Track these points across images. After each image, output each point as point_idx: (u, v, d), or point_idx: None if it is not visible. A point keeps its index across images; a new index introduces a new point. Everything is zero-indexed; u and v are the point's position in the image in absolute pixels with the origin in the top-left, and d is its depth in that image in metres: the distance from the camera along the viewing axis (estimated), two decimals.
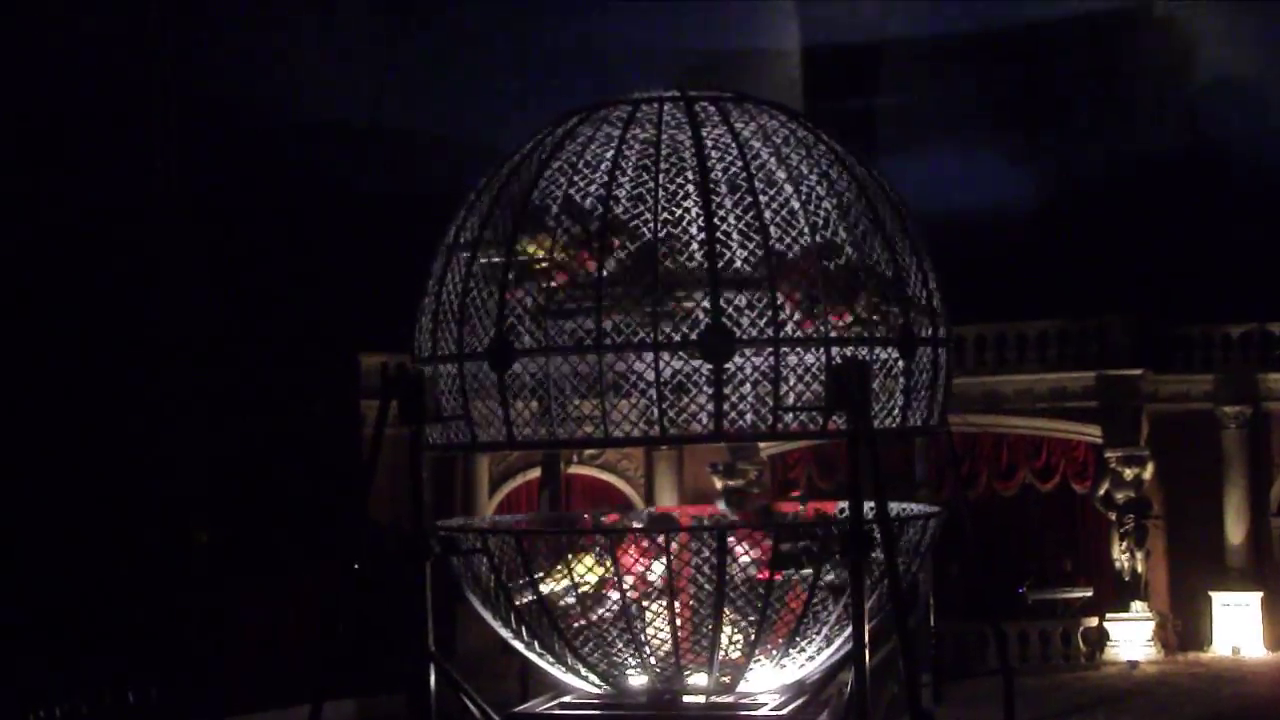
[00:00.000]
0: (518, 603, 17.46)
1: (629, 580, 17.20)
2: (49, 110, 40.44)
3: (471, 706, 17.98)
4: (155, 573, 37.36)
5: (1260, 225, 44.50)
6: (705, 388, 16.72)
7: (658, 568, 17.23)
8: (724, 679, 17.69)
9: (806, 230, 17.05)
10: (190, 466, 40.32)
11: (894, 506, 17.92)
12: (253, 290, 42.48)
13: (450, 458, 37.75)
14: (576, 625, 17.52)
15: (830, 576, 17.11)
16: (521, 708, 18.65)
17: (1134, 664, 37.27)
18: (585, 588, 17.35)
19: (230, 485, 40.27)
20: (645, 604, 17.33)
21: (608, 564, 17.26)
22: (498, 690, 18.57)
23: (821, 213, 17.21)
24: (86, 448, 38.43)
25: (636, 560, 17.26)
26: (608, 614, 17.45)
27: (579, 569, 17.37)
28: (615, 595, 17.34)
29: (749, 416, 16.97)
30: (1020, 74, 48.69)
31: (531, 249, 17.01)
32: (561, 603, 17.44)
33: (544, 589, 17.34)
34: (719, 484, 39.14)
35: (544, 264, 16.96)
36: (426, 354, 17.77)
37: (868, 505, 16.56)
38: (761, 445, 38.82)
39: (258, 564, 38.01)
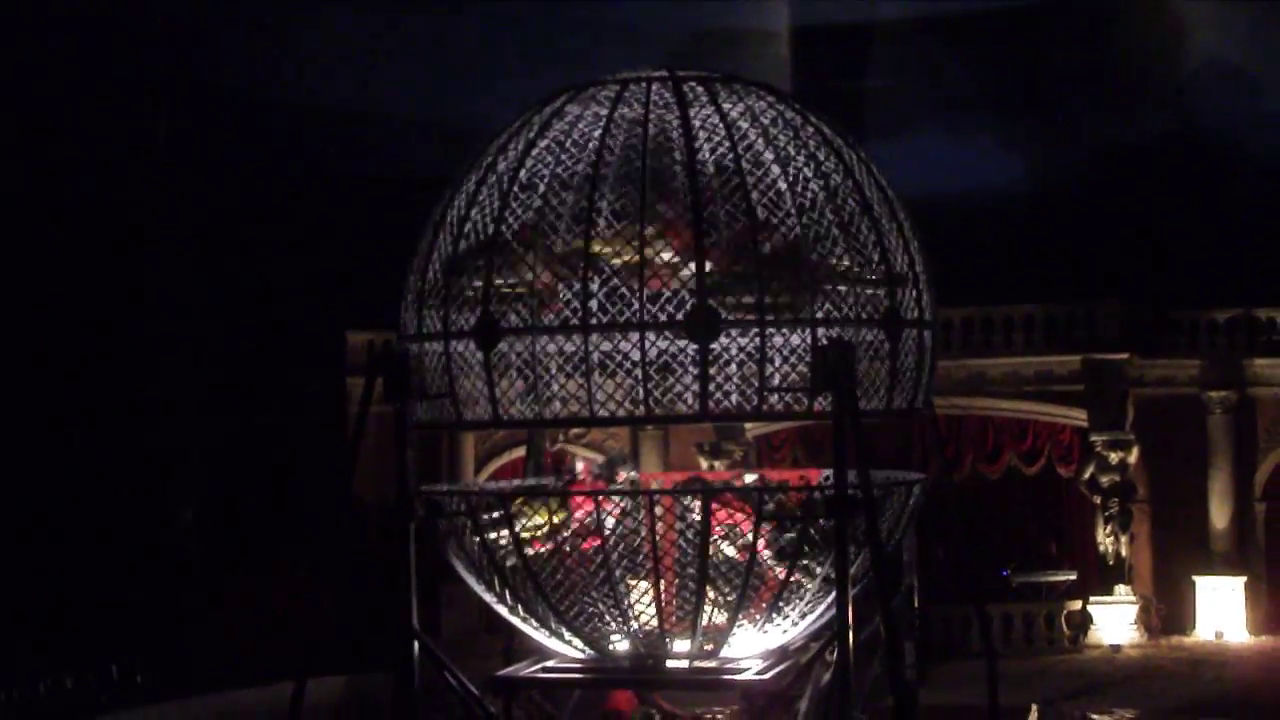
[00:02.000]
0: (489, 537, 17.46)
1: (577, 523, 17.24)
2: (43, 89, 40.42)
3: (455, 684, 17.98)
4: (140, 550, 37.41)
5: (1249, 210, 44.61)
6: (691, 368, 16.71)
7: (611, 521, 17.28)
8: (707, 645, 17.72)
9: (793, 211, 17.03)
10: (175, 445, 40.34)
11: (878, 475, 17.93)
12: (239, 268, 42.49)
13: (436, 436, 37.79)
14: (550, 567, 17.53)
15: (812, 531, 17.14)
16: (505, 671, 18.66)
17: (1117, 648, 37.38)
18: (547, 527, 17.41)
19: (215, 463, 40.31)
20: (626, 569, 17.34)
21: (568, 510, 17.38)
22: (482, 669, 18.56)
23: (809, 194, 17.20)
24: (71, 427, 38.43)
25: (591, 508, 17.34)
26: (583, 561, 17.45)
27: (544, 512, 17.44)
28: (576, 525, 17.37)
29: (734, 397, 16.96)
30: (1010, 57, 48.72)
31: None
32: (528, 532, 17.47)
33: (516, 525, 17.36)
34: (704, 464, 39.23)
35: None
36: (412, 332, 17.76)
37: (851, 474, 16.61)
38: (748, 426, 38.88)
39: (243, 541, 38.06)
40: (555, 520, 17.43)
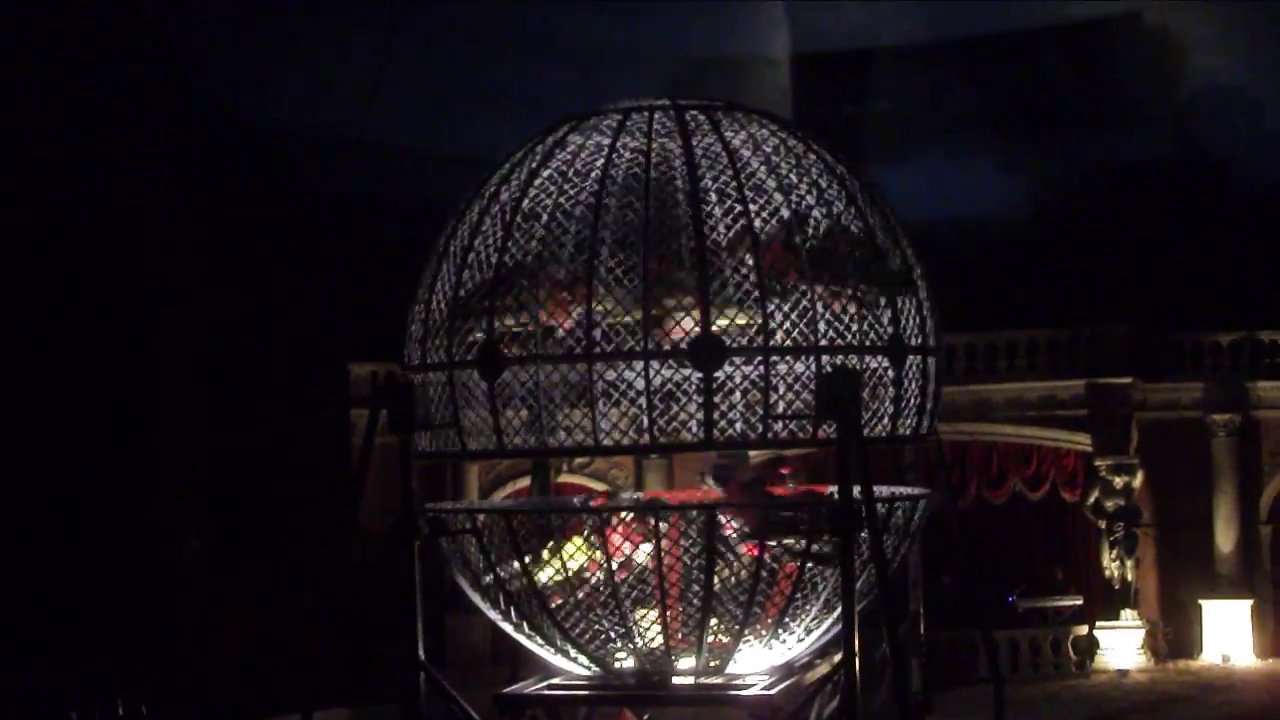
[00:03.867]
0: (508, 588, 17.45)
1: (616, 562, 17.18)
2: (45, 116, 40.41)
3: (461, 715, 17.96)
4: (146, 581, 37.34)
5: (1251, 233, 44.57)
6: (695, 396, 16.73)
7: (644, 550, 17.26)
8: (713, 662, 17.73)
9: (797, 239, 17.06)
10: (181, 475, 40.29)
11: (882, 490, 17.92)
12: (243, 299, 42.46)
13: (439, 466, 37.76)
14: (562, 604, 17.51)
15: (817, 547, 17.09)
16: (510, 688, 18.66)
17: (1124, 672, 37.29)
18: (572, 570, 17.37)
19: (221, 494, 40.25)
20: (633, 585, 17.32)
21: (594, 545, 17.29)
22: (488, 699, 18.53)
23: (811, 222, 17.23)
24: (78, 456, 38.38)
25: (625, 541, 17.28)
26: (593, 593, 17.44)
27: (568, 549, 17.41)
28: (600, 575, 17.33)
29: (739, 425, 16.98)
30: (1010, 81, 48.74)
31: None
32: (548, 584, 17.45)
33: (536, 575, 17.32)
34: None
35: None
36: (416, 362, 17.77)
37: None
38: (752, 454, 38.82)
39: (248, 573, 37.99)
40: (593, 557, 17.41)
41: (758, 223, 17.02)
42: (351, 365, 39.65)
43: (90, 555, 37.32)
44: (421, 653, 17.60)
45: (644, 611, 17.44)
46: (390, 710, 19.47)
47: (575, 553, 17.42)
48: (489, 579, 17.82)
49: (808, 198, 17.38)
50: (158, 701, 32.51)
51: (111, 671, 33.14)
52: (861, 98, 49.53)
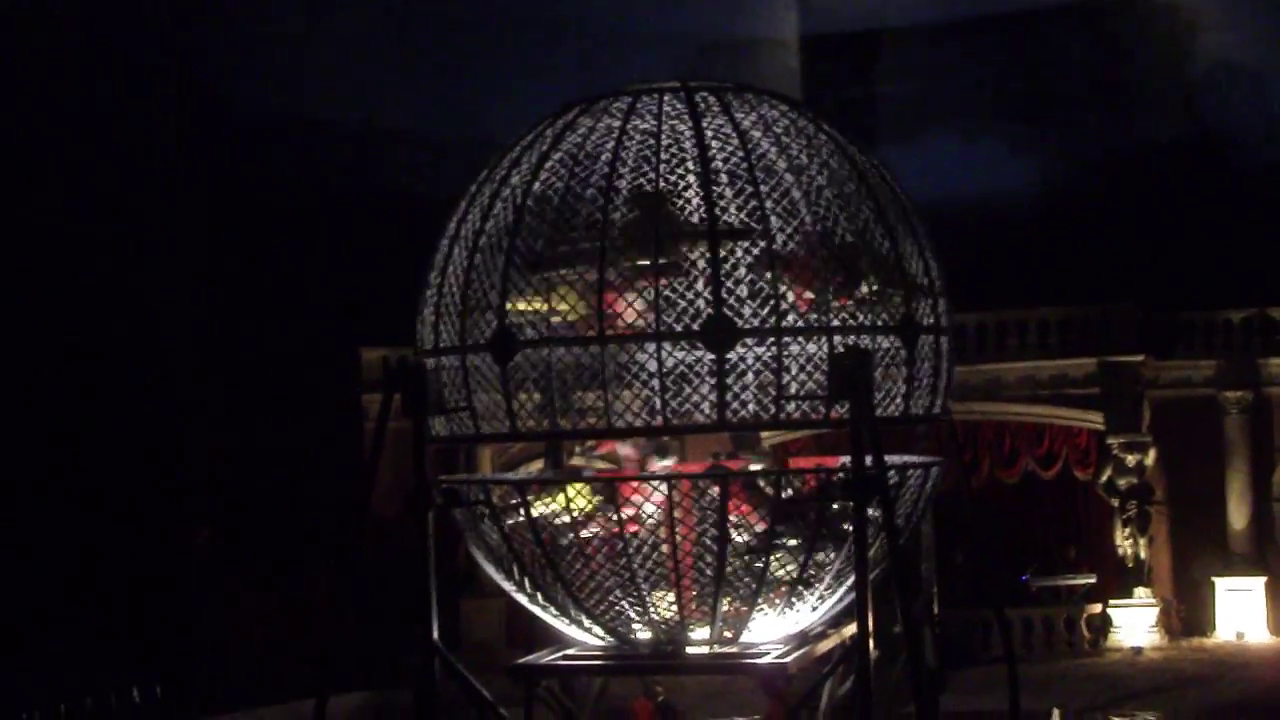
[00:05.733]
0: (508, 524, 17.41)
1: (626, 513, 17.17)
2: (50, 108, 40.46)
3: (476, 697, 17.97)
4: (158, 569, 37.46)
5: (1261, 210, 44.54)
6: (707, 378, 16.72)
7: (650, 508, 17.23)
8: (727, 632, 17.74)
9: (808, 220, 17.05)
10: (193, 462, 40.37)
11: (894, 458, 17.91)
12: (254, 286, 42.51)
13: (453, 450, 37.77)
14: (575, 564, 17.49)
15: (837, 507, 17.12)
16: (525, 659, 18.66)
17: (1138, 650, 37.30)
18: (578, 510, 17.34)
19: (233, 481, 40.34)
20: (646, 556, 17.31)
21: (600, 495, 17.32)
22: (502, 682, 18.55)
23: (823, 202, 17.21)
24: (88, 444, 38.46)
25: (634, 491, 17.27)
26: (598, 537, 17.40)
27: (571, 492, 17.39)
28: (612, 516, 17.28)
29: (751, 406, 16.98)
30: (1020, 61, 48.73)
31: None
32: (555, 522, 17.40)
33: (536, 511, 17.29)
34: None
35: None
36: (429, 347, 17.77)
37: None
38: (764, 435, 38.80)
39: (261, 559, 38.10)
40: (592, 503, 17.38)
41: (768, 203, 17.01)
42: (363, 350, 39.66)
43: (105, 545, 37.43)
44: (436, 635, 17.60)
45: (656, 579, 17.44)
46: (405, 694, 19.50)
47: (577, 496, 17.38)
48: (504, 551, 17.81)
49: (819, 178, 17.36)
50: (173, 688, 32.62)
51: (127, 659, 33.26)
52: (871, 79, 49.51)
